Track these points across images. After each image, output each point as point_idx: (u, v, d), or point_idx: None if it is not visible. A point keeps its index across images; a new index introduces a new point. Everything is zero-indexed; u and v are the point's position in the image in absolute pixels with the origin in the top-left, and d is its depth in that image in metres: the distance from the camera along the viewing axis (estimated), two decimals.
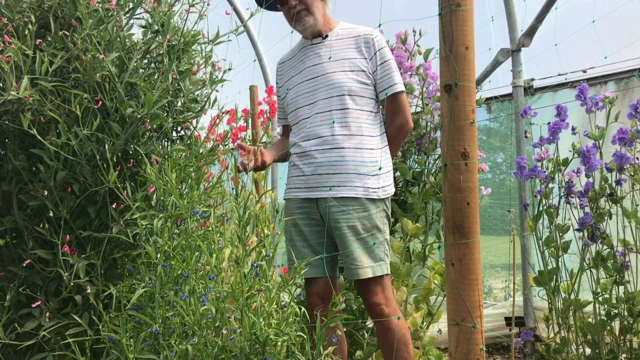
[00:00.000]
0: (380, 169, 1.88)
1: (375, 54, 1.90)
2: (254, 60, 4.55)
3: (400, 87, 1.90)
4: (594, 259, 2.18)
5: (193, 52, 1.99)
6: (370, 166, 1.86)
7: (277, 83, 2.15)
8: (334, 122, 1.87)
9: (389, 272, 1.90)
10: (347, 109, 1.87)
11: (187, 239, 1.57)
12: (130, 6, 1.91)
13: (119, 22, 1.80)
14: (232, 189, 2.63)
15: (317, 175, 1.88)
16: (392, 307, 1.87)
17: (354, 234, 1.83)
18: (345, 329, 2.14)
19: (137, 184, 1.82)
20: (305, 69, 1.97)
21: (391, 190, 1.94)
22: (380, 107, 1.96)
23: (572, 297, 2.25)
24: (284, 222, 2.00)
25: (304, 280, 1.97)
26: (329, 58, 1.91)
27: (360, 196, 1.83)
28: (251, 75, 4.42)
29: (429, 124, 2.48)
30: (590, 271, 2.21)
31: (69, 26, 1.76)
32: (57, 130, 1.68)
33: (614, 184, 2.15)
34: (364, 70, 1.89)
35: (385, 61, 1.90)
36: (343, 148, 1.85)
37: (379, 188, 1.86)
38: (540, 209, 2.35)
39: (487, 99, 3.32)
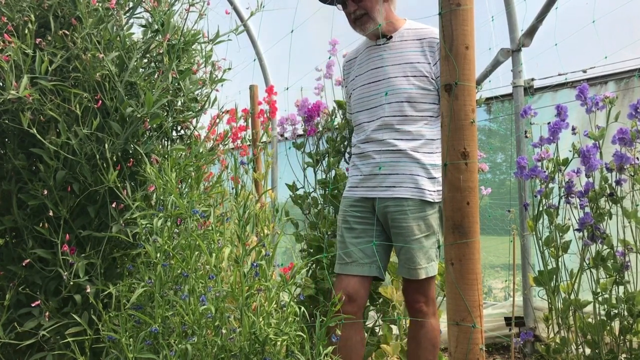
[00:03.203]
0: (437, 172, 1.86)
1: (439, 59, 1.87)
2: (254, 60, 4.55)
3: None
4: (594, 259, 2.17)
5: (193, 52, 2.00)
6: (427, 169, 1.86)
7: (344, 80, 2.15)
8: (392, 128, 1.86)
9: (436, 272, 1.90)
10: (406, 115, 1.86)
11: (186, 238, 1.57)
12: (130, 5, 1.91)
13: (119, 21, 1.80)
14: (232, 188, 2.63)
15: (374, 175, 1.89)
16: (432, 307, 1.88)
17: (410, 235, 1.83)
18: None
19: (136, 183, 1.82)
20: (367, 71, 1.96)
21: None
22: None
23: (572, 297, 2.25)
24: (337, 218, 2.01)
25: (337, 276, 1.93)
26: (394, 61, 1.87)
27: (416, 197, 1.83)
28: (251, 74, 4.43)
29: None
30: (590, 271, 2.20)
31: (69, 25, 1.76)
32: (57, 130, 1.68)
33: (614, 184, 2.15)
34: (426, 76, 1.85)
35: None
36: (401, 150, 1.85)
37: (434, 191, 1.86)
38: (540, 209, 2.35)
39: (487, 98, 3.32)
